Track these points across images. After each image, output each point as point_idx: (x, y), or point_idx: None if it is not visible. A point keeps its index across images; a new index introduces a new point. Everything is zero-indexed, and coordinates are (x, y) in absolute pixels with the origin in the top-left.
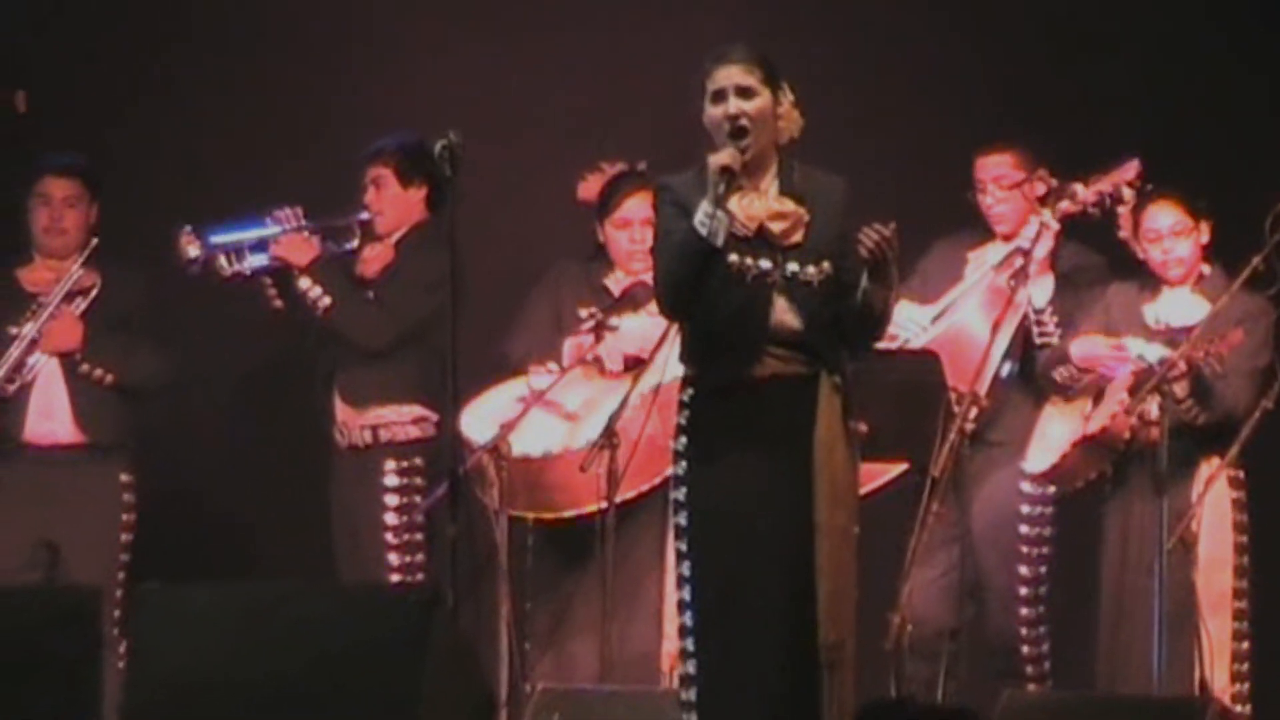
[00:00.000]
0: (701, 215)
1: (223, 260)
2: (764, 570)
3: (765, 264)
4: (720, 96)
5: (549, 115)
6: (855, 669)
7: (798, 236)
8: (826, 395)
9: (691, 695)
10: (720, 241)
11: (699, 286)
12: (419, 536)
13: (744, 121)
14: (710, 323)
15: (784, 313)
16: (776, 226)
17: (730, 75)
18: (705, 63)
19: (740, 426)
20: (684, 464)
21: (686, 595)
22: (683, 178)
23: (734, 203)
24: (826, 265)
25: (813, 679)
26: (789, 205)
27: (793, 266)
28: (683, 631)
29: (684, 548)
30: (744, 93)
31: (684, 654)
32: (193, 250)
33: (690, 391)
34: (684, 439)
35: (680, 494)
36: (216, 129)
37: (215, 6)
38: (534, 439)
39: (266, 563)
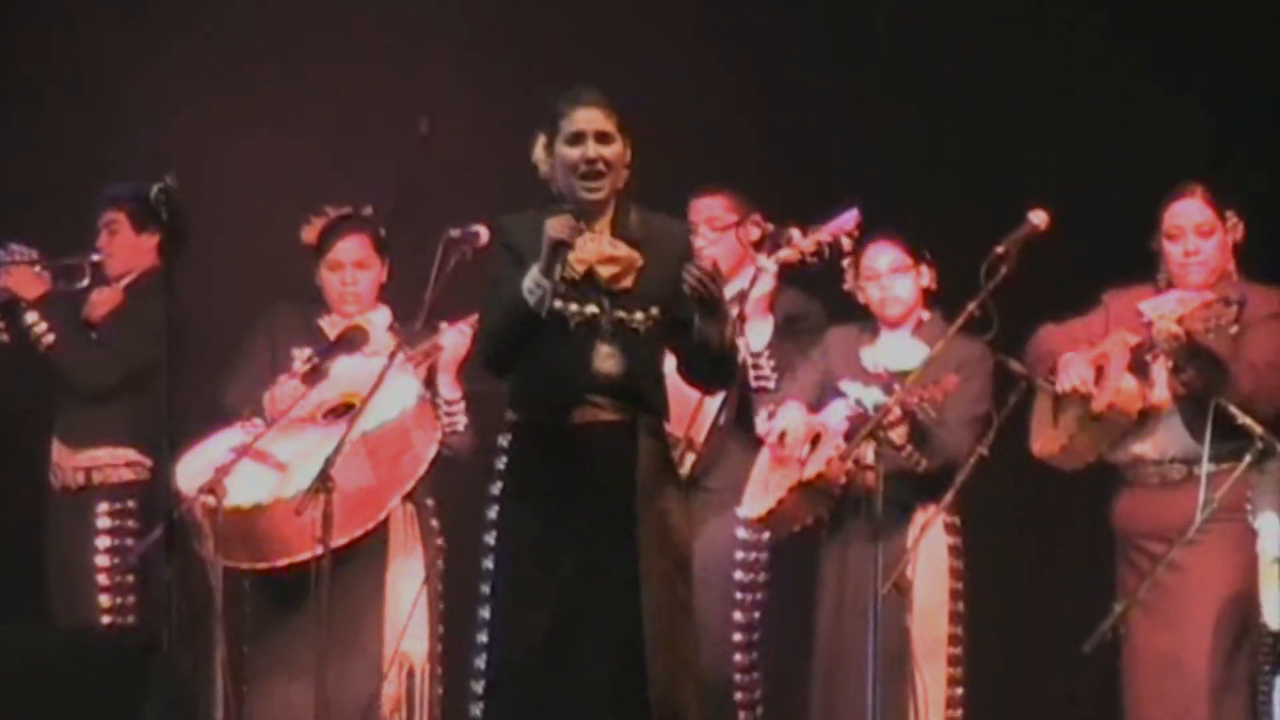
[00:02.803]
0: (530, 283)
1: None
2: (585, 617)
3: (591, 309)
4: (579, 139)
5: (280, 158)
6: (699, 709)
7: (628, 282)
8: (645, 441)
9: None
10: (545, 311)
11: (521, 347)
12: (130, 579)
13: (601, 166)
14: (530, 367)
15: (606, 359)
16: (605, 271)
17: (592, 119)
18: (559, 102)
19: (559, 472)
20: (497, 508)
21: (484, 638)
22: (518, 217)
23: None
24: (655, 311)
25: None
26: (622, 249)
27: (620, 313)
28: (476, 674)
29: (488, 592)
30: (603, 138)
31: (474, 696)
32: None
33: (509, 436)
34: (499, 483)
35: (491, 538)
36: None
37: None
38: (244, 490)
39: None
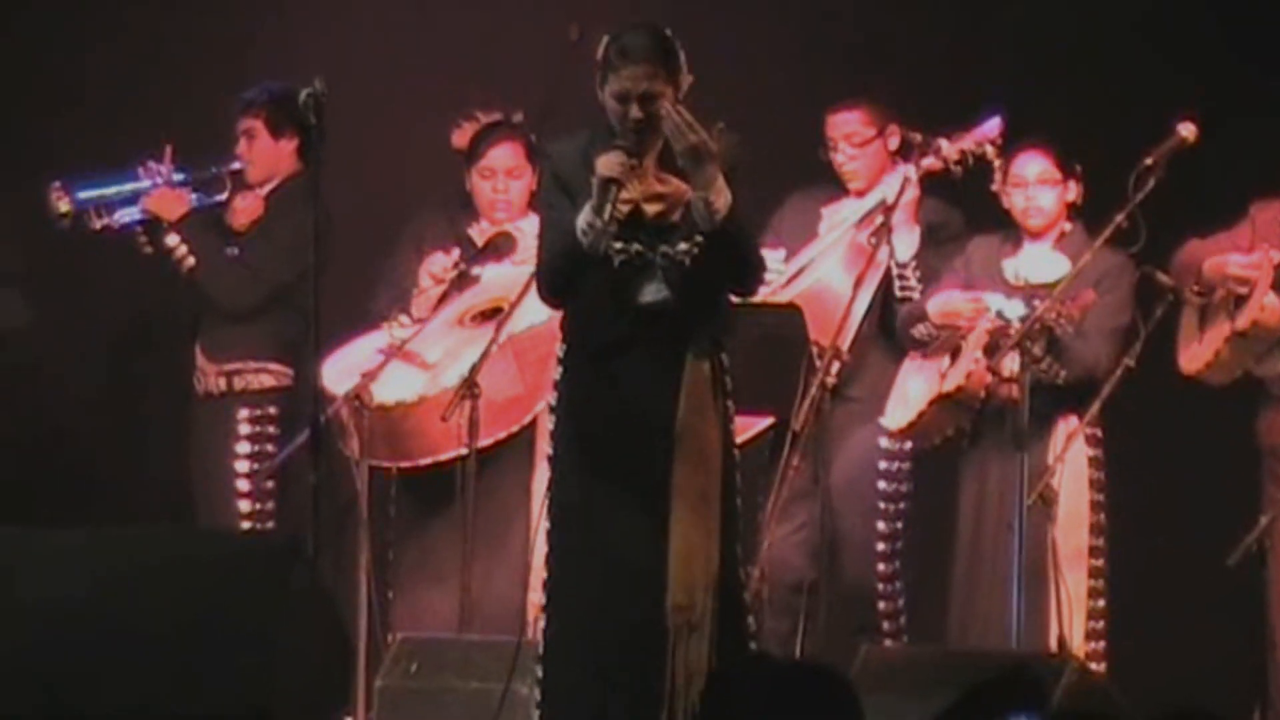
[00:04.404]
0: (583, 223)
1: (93, 214)
2: (619, 532)
3: (635, 247)
4: (623, 98)
5: (424, 63)
6: (714, 634)
7: (675, 216)
8: (694, 362)
9: (541, 649)
10: (602, 250)
11: (577, 282)
12: (270, 485)
13: (644, 124)
14: (578, 301)
15: (654, 293)
16: (651, 209)
17: (637, 80)
18: (611, 49)
19: (607, 392)
20: (554, 420)
21: (547, 550)
22: (566, 147)
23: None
24: (700, 238)
25: (662, 642)
26: (670, 184)
27: (664, 247)
28: (544, 586)
29: (549, 503)
30: (647, 99)
31: (542, 607)
32: (63, 205)
33: (564, 350)
34: (555, 395)
35: (550, 450)
36: (86, 77)
37: None
38: (390, 388)
39: (128, 508)
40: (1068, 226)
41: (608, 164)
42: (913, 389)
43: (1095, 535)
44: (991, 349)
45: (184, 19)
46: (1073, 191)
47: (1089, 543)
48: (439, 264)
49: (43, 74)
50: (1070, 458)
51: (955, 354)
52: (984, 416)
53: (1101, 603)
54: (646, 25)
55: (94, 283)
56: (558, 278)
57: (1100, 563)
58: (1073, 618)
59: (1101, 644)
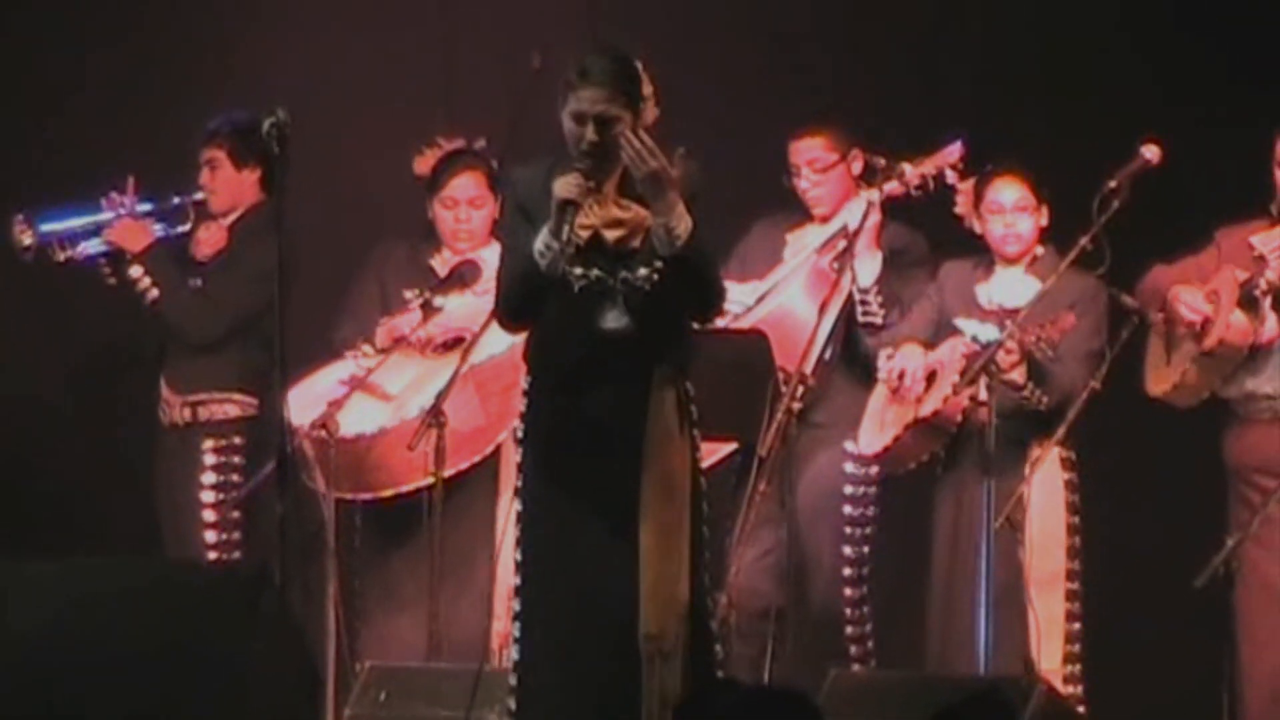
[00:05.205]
0: (541, 245)
1: (56, 246)
2: (589, 562)
3: (595, 273)
4: (580, 119)
5: (388, 92)
6: (684, 661)
7: (635, 242)
8: (659, 389)
9: (513, 680)
10: (560, 272)
11: (536, 307)
12: (236, 515)
13: (599, 147)
14: (540, 328)
15: (616, 319)
16: (611, 234)
17: (593, 102)
18: (570, 70)
19: (572, 420)
20: (521, 451)
21: (518, 581)
22: (529, 173)
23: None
24: (659, 264)
25: (635, 671)
26: (629, 210)
27: (624, 273)
28: (514, 616)
29: (520, 534)
30: (604, 122)
31: (513, 639)
32: (26, 239)
33: (529, 379)
34: (523, 426)
35: (519, 481)
36: (49, 106)
37: None
38: (352, 421)
39: (100, 536)
40: (1039, 250)
41: (565, 185)
42: (887, 414)
43: (1071, 558)
44: (965, 373)
45: (146, 50)
46: (1044, 217)
47: (1065, 565)
48: (399, 326)
49: (6, 106)
50: (1044, 481)
51: (931, 379)
52: (959, 440)
53: (1078, 625)
54: (611, 49)
55: (66, 312)
56: (516, 302)
57: (1076, 585)
58: (1043, 640)
59: (1078, 666)
